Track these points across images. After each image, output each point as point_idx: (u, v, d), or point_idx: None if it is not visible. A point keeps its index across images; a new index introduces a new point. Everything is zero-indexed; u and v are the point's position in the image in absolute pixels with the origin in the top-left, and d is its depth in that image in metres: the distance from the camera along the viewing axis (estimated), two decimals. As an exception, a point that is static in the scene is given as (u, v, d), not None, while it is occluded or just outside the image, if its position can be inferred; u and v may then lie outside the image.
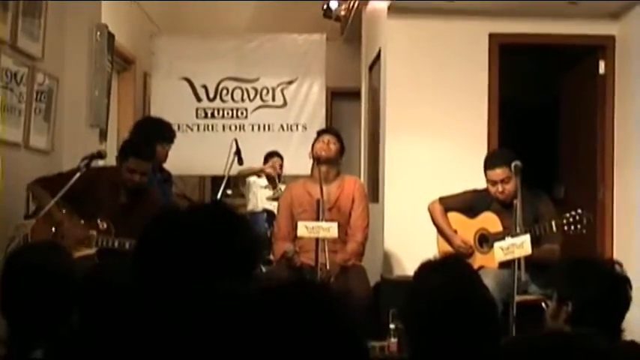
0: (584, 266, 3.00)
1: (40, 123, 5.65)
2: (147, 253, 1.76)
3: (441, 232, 5.51)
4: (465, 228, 5.42)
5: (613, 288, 2.84)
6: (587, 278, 2.88)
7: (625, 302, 2.85)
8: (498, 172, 5.24)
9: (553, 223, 4.94)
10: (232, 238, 1.75)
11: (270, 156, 7.95)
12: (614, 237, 6.66)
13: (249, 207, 8.00)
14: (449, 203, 5.53)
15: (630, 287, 2.88)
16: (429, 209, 5.58)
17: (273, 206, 7.17)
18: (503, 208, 5.21)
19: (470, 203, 5.46)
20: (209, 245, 1.72)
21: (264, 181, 8.07)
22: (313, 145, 5.59)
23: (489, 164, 5.35)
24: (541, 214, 5.15)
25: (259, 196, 8.00)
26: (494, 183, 5.27)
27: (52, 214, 4.83)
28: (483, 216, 5.37)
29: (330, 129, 5.86)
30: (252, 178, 8.15)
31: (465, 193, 5.55)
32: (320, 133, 5.74)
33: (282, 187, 7.52)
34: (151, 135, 5.85)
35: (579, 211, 4.91)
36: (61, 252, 2.97)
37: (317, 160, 5.48)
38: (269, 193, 7.88)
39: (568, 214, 4.92)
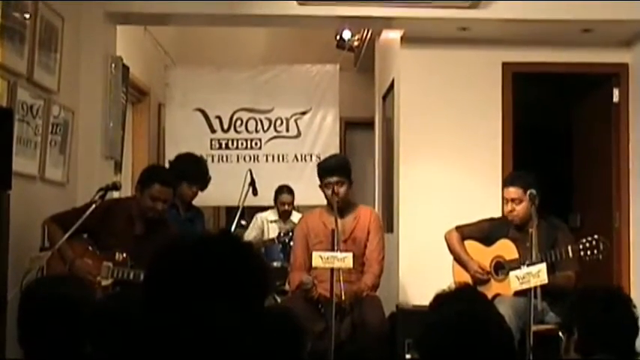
0: (583, 293, 2.99)
1: (56, 155, 5.67)
2: (155, 283, 1.77)
3: (457, 258, 5.49)
4: (481, 256, 5.39)
5: (613, 309, 2.81)
6: (587, 304, 2.87)
7: (631, 323, 2.82)
8: (511, 191, 5.28)
9: (569, 249, 4.91)
10: (241, 267, 1.75)
11: (279, 191, 7.95)
12: (630, 265, 6.62)
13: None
14: (465, 231, 5.51)
15: (634, 307, 2.86)
16: (445, 238, 5.55)
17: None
18: (519, 235, 5.19)
19: (487, 232, 5.45)
20: (217, 274, 1.72)
21: (273, 215, 8.08)
22: (322, 189, 5.47)
23: (505, 182, 5.45)
24: (559, 244, 5.11)
25: (269, 230, 8.01)
26: (506, 201, 5.31)
27: (63, 253, 4.83)
28: (499, 243, 5.35)
29: (331, 168, 5.46)
30: (260, 215, 8.17)
31: (482, 221, 5.54)
32: (323, 175, 5.47)
33: (298, 215, 7.53)
34: (181, 172, 5.88)
35: (595, 236, 4.88)
36: (78, 283, 2.98)
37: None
38: (279, 226, 7.90)
39: (584, 240, 4.89)
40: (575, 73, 6.99)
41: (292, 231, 6.25)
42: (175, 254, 1.78)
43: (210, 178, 6.16)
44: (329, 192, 5.40)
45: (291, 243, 6.14)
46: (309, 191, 7.95)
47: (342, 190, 5.39)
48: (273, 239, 7.33)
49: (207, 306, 1.70)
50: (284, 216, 8.00)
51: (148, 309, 1.76)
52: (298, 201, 8.09)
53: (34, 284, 3.15)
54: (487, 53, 6.81)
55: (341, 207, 5.36)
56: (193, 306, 1.70)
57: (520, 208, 5.21)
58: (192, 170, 6.04)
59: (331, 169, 5.44)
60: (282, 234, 7.07)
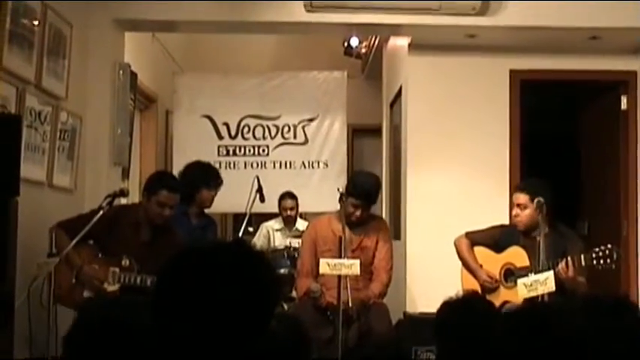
0: (589, 301, 2.98)
1: (64, 162, 5.69)
2: (165, 292, 1.75)
3: (466, 266, 5.47)
4: (491, 262, 5.37)
5: (620, 318, 2.80)
6: (593, 312, 2.85)
7: (639, 331, 2.81)
8: (517, 196, 5.30)
9: (582, 257, 4.88)
10: (253, 276, 1.74)
11: (282, 198, 7.96)
12: (638, 273, 6.60)
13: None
14: (475, 238, 5.49)
15: None
16: (455, 244, 5.53)
17: (295, 243, 7.17)
18: (529, 243, 5.17)
19: (497, 238, 5.42)
20: (229, 283, 1.71)
21: (277, 224, 8.07)
22: (342, 201, 5.40)
23: (516, 187, 5.49)
24: (568, 253, 5.08)
25: (274, 239, 8.01)
26: (513, 206, 5.34)
27: (71, 259, 4.84)
28: (510, 250, 5.32)
29: (364, 193, 5.35)
30: (265, 224, 8.17)
31: (492, 228, 5.52)
32: (352, 193, 5.36)
33: (303, 223, 7.53)
34: (197, 179, 5.90)
35: (609, 246, 4.84)
36: (129, 306, 2.95)
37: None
38: (284, 234, 7.90)
39: (597, 249, 4.84)
40: (582, 80, 6.98)
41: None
42: (187, 263, 1.77)
43: (222, 180, 6.19)
44: (347, 208, 5.38)
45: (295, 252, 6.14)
46: (315, 198, 7.97)
47: (358, 213, 5.38)
48: (282, 251, 7.33)
49: (218, 315, 1.69)
50: (288, 222, 7.99)
51: (158, 317, 1.75)
52: (305, 208, 8.09)
53: (88, 305, 3.12)
54: (494, 60, 6.81)
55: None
56: (203, 314, 1.69)
57: (524, 215, 5.20)
58: (208, 174, 6.06)
59: (363, 194, 5.36)
60: (292, 249, 7.06)
